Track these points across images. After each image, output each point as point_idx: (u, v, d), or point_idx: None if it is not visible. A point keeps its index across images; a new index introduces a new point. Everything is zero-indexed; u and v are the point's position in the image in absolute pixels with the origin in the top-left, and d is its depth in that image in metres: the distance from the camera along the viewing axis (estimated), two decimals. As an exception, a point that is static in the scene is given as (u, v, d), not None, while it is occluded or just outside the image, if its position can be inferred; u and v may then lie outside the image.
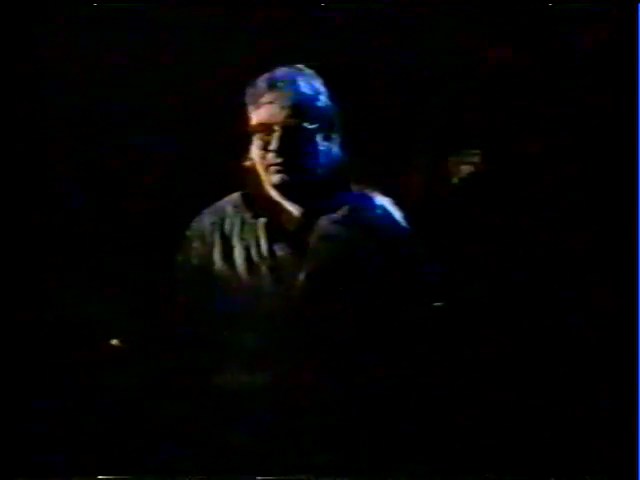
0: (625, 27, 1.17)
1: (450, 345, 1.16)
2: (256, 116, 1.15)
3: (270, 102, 1.14)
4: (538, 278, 1.17)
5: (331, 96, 1.16)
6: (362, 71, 1.16)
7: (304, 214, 1.18)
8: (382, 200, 1.18)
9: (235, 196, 1.19)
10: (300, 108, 1.15)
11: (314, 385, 1.14)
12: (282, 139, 1.14)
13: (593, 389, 1.16)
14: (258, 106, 1.15)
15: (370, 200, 1.19)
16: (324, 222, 1.18)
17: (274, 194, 1.17)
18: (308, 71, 1.16)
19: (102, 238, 1.16)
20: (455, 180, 1.11)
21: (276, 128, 1.14)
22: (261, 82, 1.15)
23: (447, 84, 1.17)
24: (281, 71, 1.16)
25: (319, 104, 1.16)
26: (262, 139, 1.15)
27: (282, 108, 1.14)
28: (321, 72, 1.16)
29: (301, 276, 1.16)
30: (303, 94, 1.15)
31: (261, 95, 1.15)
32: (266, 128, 1.15)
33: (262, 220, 1.17)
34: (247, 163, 1.16)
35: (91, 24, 1.16)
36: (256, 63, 1.16)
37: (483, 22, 1.18)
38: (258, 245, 1.17)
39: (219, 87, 1.15)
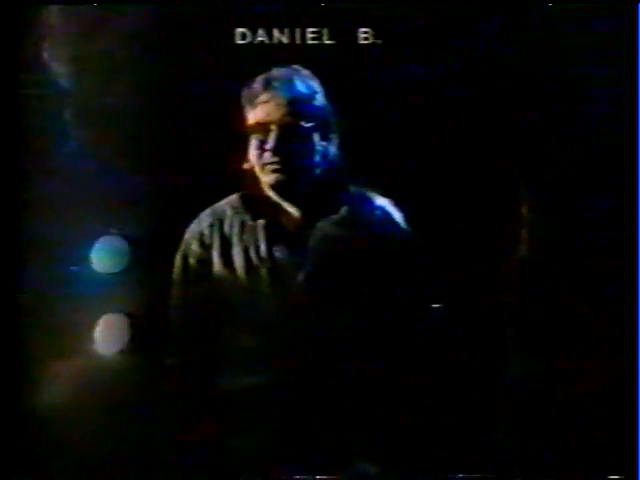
0: (625, 27, 1.17)
1: (449, 346, 1.15)
2: (252, 116, 1.15)
3: (266, 101, 1.15)
4: (539, 280, 1.16)
5: (328, 96, 1.16)
6: (362, 72, 1.16)
7: (303, 215, 1.18)
8: (382, 201, 1.18)
9: (234, 198, 1.18)
10: (296, 107, 1.15)
11: (314, 386, 1.14)
12: (278, 138, 1.14)
13: (593, 390, 1.15)
14: (254, 106, 1.15)
15: (369, 201, 1.18)
16: (323, 223, 1.17)
17: (272, 194, 1.17)
18: (305, 71, 1.16)
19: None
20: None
21: (272, 127, 1.15)
22: (257, 82, 1.15)
23: (447, 85, 1.16)
24: (277, 71, 1.16)
25: (316, 103, 1.16)
26: (259, 139, 1.15)
27: (278, 107, 1.15)
28: (318, 73, 1.16)
29: (300, 277, 1.16)
30: (299, 93, 1.15)
31: (257, 95, 1.15)
32: (262, 127, 1.15)
33: (261, 222, 1.17)
34: (246, 165, 1.17)
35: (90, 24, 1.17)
36: (254, 63, 1.16)
37: (482, 22, 1.17)
38: (257, 247, 1.17)
39: (218, 87, 1.15)
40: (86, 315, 1.14)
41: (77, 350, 1.14)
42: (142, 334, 1.13)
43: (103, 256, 1.14)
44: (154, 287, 1.15)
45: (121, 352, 1.13)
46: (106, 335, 1.13)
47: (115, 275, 1.14)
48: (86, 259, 1.14)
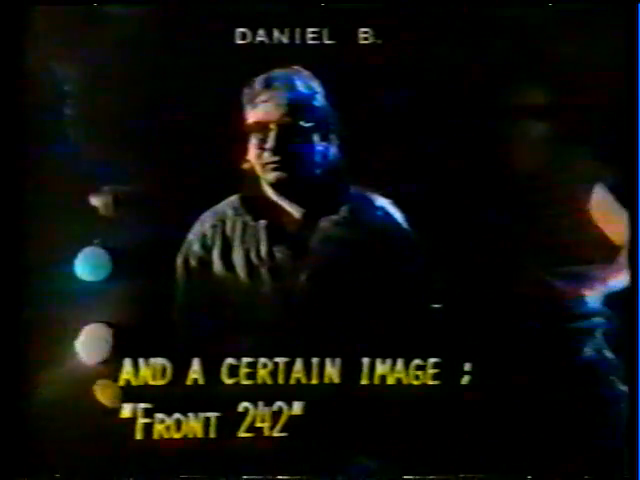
0: (625, 27, 1.17)
1: (449, 346, 1.15)
2: (252, 115, 1.16)
3: (266, 101, 1.15)
4: (539, 281, 1.16)
5: (328, 97, 1.16)
6: (362, 72, 1.16)
7: (304, 216, 1.18)
8: (382, 201, 1.18)
9: (235, 199, 1.18)
10: (296, 106, 1.15)
11: (314, 386, 1.14)
12: (278, 137, 1.15)
13: (594, 389, 1.14)
14: (254, 105, 1.15)
15: (370, 201, 1.18)
16: (324, 224, 1.18)
17: (272, 194, 1.17)
18: (305, 72, 1.16)
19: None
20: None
21: (272, 126, 1.15)
22: (257, 82, 1.15)
23: (447, 85, 1.16)
24: (278, 71, 1.16)
25: (316, 103, 1.16)
26: (258, 138, 1.15)
27: (278, 106, 1.15)
28: (318, 73, 1.16)
29: (301, 278, 1.16)
30: (299, 93, 1.16)
31: (257, 94, 1.15)
32: (262, 127, 1.15)
33: (262, 223, 1.18)
34: (245, 165, 1.17)
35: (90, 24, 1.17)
36: (254, 63, 1.16)
37: (482, 22, 1.18)
38: (258, 248, 1.17)
39: (218, 87, 1.15)
40: (70, 324, 1.13)
41: (61, 359, 1.13)
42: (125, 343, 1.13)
43: (87, 264, 1.13)
44: (138, 296, 1.15)
45: (104, 362, 1.13)
46: (89, 345, 1.13)
47: (99, 283, 1.14)
48: (70, 267, 1.13)
